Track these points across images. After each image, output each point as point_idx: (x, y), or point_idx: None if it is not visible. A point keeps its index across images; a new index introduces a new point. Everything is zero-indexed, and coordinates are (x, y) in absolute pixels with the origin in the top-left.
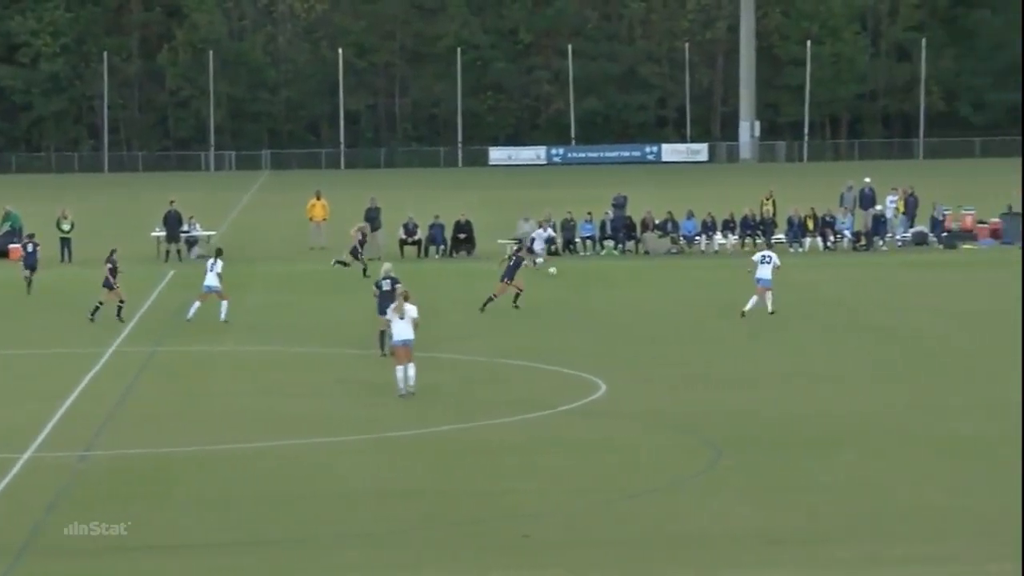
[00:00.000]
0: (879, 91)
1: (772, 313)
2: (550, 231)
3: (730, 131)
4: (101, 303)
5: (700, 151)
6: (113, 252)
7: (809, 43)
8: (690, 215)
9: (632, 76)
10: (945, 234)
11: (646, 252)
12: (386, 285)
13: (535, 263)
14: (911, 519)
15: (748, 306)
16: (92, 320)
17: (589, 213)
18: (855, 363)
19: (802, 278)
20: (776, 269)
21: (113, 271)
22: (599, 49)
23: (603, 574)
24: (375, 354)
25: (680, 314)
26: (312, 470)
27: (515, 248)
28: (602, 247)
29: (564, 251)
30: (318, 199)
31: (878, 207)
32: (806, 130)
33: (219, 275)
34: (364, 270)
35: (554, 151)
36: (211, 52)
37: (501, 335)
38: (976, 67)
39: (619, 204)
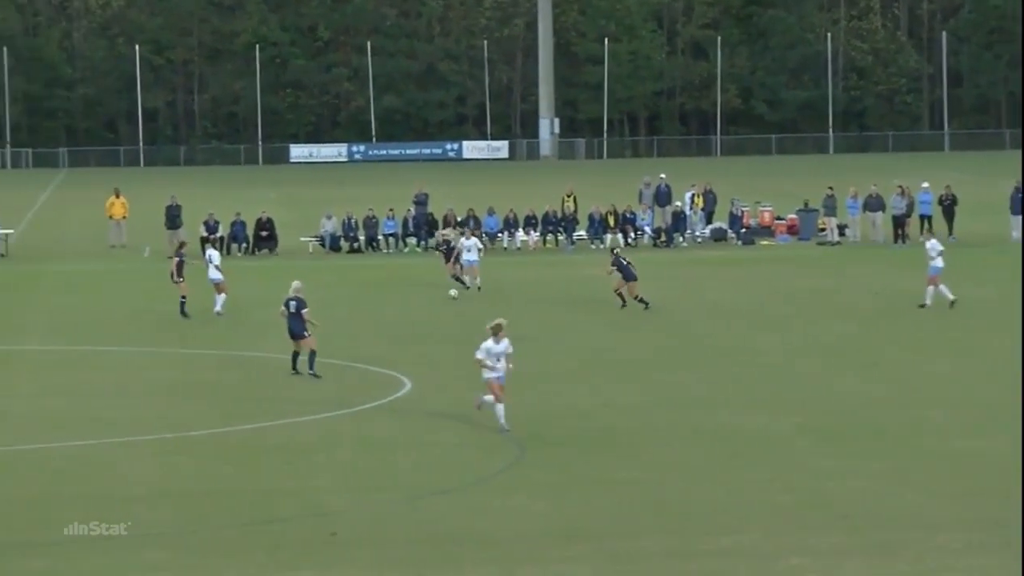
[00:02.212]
0: (676, 88)
1: (953, 301)
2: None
3: (530, 128)
4: None
5: (501, 148)
6: None
7: (607, 41)
8: (492, 212)
9: (431, 73)
10: (744, 230)
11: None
12: (292, 308)
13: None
14: (712, 512)
15: (927, 300)
16: None
17: (391, 210)
18: (649, 357)
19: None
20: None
21: None
22: (398, 46)
23: (409, 571)
24: (290, 372)
25: (485, 311)
26: (116, 470)
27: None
28: (404, 244)
29: (367, 248)
30: (117, 197)
31: (676, 203)
32: (605, 127)
33: (217, 267)
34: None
35: (355, 148)
36: (4, 48)
37: None
38: (770, 65)
39: (421, 201)
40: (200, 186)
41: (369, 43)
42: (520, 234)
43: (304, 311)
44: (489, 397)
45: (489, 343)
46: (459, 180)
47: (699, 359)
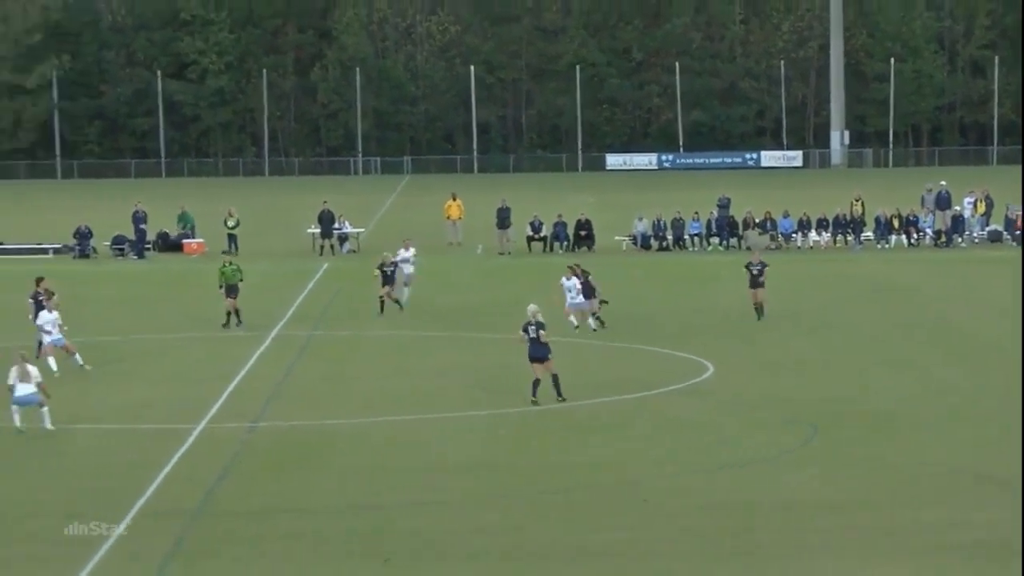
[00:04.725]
0: (956, 104)
1: None
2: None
3: (822, 140)
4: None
5: (795, 158)
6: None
7: (892, 61)
8: (787, 215)
9: (733, 90)
10: (1018, 232)
11: (747, 248)
12: (532, 332)
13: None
14: (978, 486)
15: None
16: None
17: (696, 213)
18: (922, 349)
19: (886, 271)
20: None
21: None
22: (703, 66)
23: (707, 533)
24: (528, 399)
25: (778, 304)
26: (442, 443)
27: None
28: (708, 244)
29: (674, 247)
30: (454, 200)
31: (956, 208)
32: (891, 139)
33: (400, 263)
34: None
35: (664, 157)
36: (358, 69)
37: (618, 321)
38: None
39: (723, 205)
40: (526, 190)
41: (678, 63)
42: (812, 234)
43: (542, 332)
44: None
45: None
46: (758, 186)
47: (969, 353)
